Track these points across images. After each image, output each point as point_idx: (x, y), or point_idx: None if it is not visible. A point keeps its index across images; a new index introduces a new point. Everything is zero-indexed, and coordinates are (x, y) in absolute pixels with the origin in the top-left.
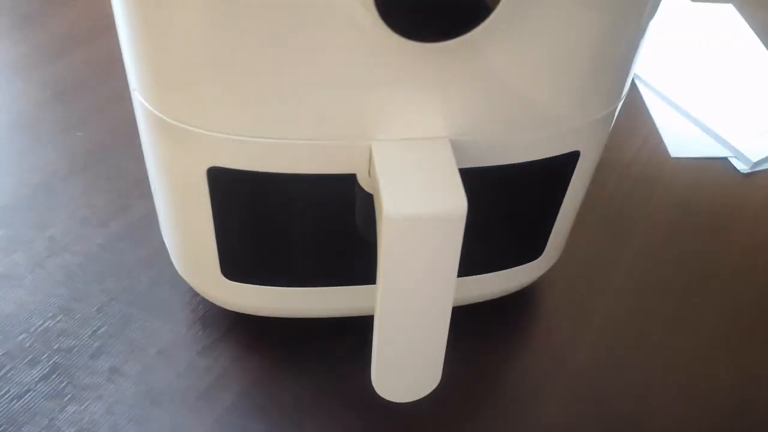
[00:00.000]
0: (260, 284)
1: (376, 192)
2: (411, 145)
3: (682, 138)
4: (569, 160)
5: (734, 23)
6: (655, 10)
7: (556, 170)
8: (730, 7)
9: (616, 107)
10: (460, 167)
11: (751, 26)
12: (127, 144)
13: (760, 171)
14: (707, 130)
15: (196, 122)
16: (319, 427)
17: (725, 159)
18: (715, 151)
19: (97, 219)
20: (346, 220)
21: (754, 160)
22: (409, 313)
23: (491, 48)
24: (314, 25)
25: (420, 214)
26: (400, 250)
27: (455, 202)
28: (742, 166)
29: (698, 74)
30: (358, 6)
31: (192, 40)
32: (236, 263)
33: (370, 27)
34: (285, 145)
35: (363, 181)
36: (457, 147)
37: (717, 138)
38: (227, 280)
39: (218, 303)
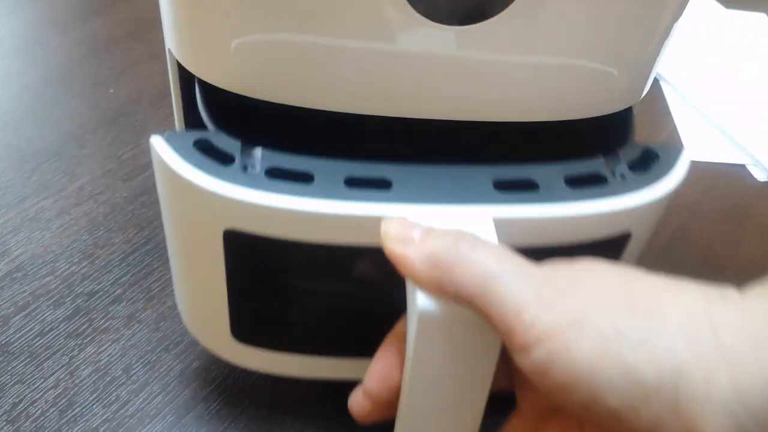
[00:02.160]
0: (270, 350)
1: (408, 283)
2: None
3: (702, 141)
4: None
5: (766, 32)
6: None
7: None
8: (762, 16)
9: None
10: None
11: None
12: (156, 102)
13: None
14: (727, 136)
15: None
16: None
17: (743, 166)
18: (734, 157)
19: (122, 172)
20: (361, 294)
21: None
22: (435, 412)
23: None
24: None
25: (454, 311)
26: (432, 347)
27: None
28: (759, 175)
29: (724, 80)
30: None
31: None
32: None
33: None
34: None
35: None
36: (499, 226)
37: (736, 144)
38: (237, 341)
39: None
